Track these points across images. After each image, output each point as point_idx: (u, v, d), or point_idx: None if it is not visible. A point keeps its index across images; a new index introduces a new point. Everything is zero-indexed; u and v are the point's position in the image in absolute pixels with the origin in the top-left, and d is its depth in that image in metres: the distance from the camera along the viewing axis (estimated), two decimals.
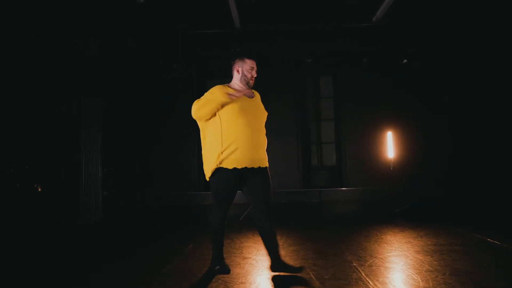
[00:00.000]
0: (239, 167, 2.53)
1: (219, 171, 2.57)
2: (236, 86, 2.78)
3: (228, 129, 2.55)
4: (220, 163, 2.54)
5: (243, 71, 2.76)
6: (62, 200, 5.49)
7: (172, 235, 4.67)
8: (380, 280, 2.56)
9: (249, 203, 2.72)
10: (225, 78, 8.78)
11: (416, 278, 2.59)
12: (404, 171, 7.45)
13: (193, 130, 8.48)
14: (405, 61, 7.99)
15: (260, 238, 2.79)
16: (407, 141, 7.65)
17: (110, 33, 6.58)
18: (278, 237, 2.84)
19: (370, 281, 2.53)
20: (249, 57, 2.83)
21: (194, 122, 8.16)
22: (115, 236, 4.79)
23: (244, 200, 2.81)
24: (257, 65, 2.82)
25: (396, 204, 6.02)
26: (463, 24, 7.01)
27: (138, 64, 7.86)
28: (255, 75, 2.80)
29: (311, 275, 2.72)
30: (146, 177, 8.17)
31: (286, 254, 3.30)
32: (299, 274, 2.68)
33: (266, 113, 2.84)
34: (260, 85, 3.26)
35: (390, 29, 7.33)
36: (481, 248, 3.42)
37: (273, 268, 2.72)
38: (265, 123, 2.82)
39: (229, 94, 2.57)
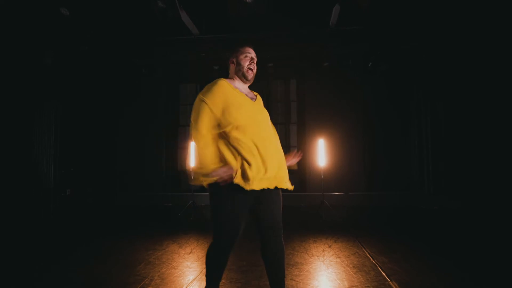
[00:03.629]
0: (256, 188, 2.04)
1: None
2: (236, 83, 2.23)
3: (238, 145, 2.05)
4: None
5: (237, 61, 2.22)
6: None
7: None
8: None
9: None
10: (196, 81, 9.06)
11: None
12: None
13: (161, 131, 8.64)
14: (370, 64, 7.84)
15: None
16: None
17: (67, 42, 6.65)
18: None
19: None
20: (242, 45, 2.26)
21: (163, 125, 8.16)
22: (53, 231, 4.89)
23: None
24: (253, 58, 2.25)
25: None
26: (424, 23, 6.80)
27: (104, 69, 7.94)
28: (254, 67, 2.23)
29: None
30: (110, 177, 8.28)
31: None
32: None
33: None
34: None
35: (349, 32, 7.19)
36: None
37: None
38: None
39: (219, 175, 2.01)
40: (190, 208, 6.16)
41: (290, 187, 2.16)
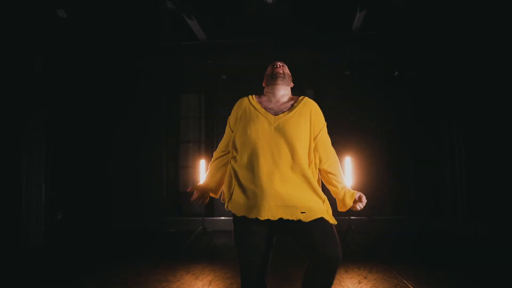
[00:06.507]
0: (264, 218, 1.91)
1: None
2: (263, 97, 2.17)
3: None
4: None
5: (266, 74, 2.21)
6: None
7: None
8: None
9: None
10: (200, 91, 8.91)
11: None
12: None
13: (161, 149, 8.47)
14: (396, 73, 7.73)
15: None
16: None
17: (58, 47, 6.54)
18: None
19: None
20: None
21: (163, 141, 7.92)
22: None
23: None
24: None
25: None
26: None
27: (98, 79, 7.84)
28: (281, 68, 2.15)
29: None
30: (105, 199, 8.08)
31: None
32: None
33: (318, 130, 2.07)
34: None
35: (373, 37, 7.07)
36: None
37: None
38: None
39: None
40: (199, 234, 5.98)
41: (303, 218, 1.88)
